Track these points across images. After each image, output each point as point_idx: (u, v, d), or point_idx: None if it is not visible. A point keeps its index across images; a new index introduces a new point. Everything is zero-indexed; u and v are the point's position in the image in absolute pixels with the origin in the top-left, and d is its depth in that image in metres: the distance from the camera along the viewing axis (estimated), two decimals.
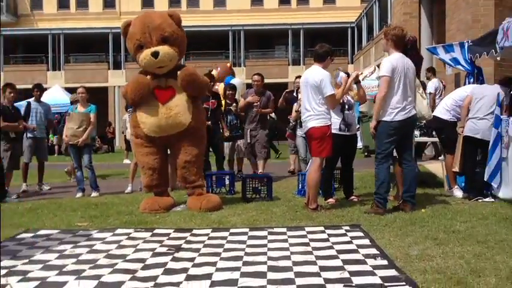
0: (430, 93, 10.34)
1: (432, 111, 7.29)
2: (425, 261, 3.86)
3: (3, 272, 3.97)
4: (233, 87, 9.98)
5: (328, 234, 4.96)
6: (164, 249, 4.57)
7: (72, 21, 34.98)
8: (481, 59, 8.21)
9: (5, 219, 6.27)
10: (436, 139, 8.22)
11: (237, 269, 3.90)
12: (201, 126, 6.84)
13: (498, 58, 7.98)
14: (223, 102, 9.52)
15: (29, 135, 9.43)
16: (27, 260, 4.35)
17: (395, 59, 5.92)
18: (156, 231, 5.38)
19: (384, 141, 5.93)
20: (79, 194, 8.48)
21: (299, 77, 9.38)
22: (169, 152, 7.04)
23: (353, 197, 7.02)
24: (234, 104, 9.59)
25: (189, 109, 6.54)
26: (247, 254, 4.34)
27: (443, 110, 7.24)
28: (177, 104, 6.47)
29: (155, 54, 6.33)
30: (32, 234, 5.39)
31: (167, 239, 4.99)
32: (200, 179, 6.81)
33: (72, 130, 8.41)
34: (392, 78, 5.83)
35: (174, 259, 4.25)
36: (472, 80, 8.39)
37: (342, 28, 33.41)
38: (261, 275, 3.73)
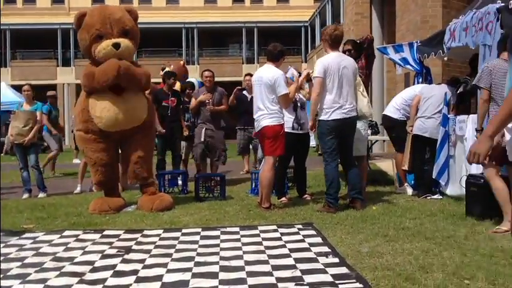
0: None
1: None
2: (376, 258, 3.91)
3: None
4: (193, 86, 9.87)
5: (280, 233, 4.96)
6: (114, 251, 4.46)
7: (19, 17, 33.89)
8: (429, 59, 8.42)
9: None
10: (386, 137, 8.37)
11: (188, 269, 3.84)
12: (154, 122, 6.81)
13: (445, 58, 8.20)
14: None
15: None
16: None
17: (327, 60, 6.02)
18: (106, 232, 5.25)
19: (325, 140, 6.02)
20: (25, 195, 8.22)
21: (249, 74, 9.38)
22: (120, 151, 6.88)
23: (306, 196, 7.06)
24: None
25: (145, 104, 6.51)
26: (199, 254, 4.29)
27: (393, 109, 7.40)
28: (133, 99, 6.37)
29: (116, 46, 6.22)
30: None
31: (117, 241, 4.87)
32: (151, 176, 6.75)
33: (17, 129, 8.14)
34: (324, 79, 5.91)
35: (124, 261, 4.14)
36: (420, 79, 8.60)
37: (295, 27, 33.73)
38: (213, 275, 3.69)
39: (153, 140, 6.91)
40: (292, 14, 34.45)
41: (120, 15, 6.40)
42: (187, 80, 11.38)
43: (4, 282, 3.66)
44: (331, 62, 5.96)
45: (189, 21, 33.70)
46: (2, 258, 4.34)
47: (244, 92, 9.68)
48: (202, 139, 8.60)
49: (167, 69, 9.99)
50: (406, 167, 7.16)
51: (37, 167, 8.35)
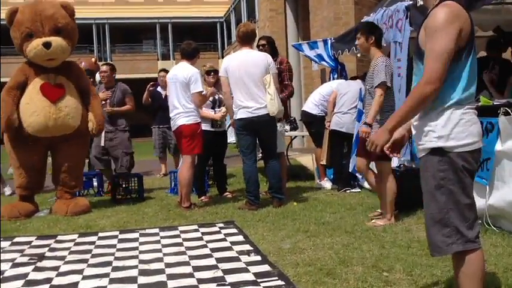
0: None
1: None
2: (297, 254, 3.94)
3: None
4: None
5: (201, 233, 4.90)
6: (25, 259, 4.22)
7: None
8: (343, 56, 8.63)
9: None
10: (305, 133, 8.51)
11: (105, 275, 3.71)
12: (87, 130, 6.39)
13: (359, 55, 8.43)
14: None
15: None
16: None
17: (229, 59, 6.09)
18: (17, 239, 4.96)
19: (239, 138, 6.07)
20: None
21: (163, 70, 9.07)
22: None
23: (227, 193, 7.04)
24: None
25: (79, 111, 6.16)
26: (117, 258, 4.15)
27: (312, 105, 7.53)
28: (67, 105, 6.03)
29: (47, 45, 5.85)
30: None
31: (29, 248, 4.62)
32: (80, 186, 6.59)
33: None
34: (227, 78, 5.94)
35: (37, 269, 3.94)
36: (336, 75, 8.80)
37: (211, 23, 33.62)
38: (132, 280, 3.58)
39: (85, 148, 6.61)
40: (207, 10, 34.29)
41: (53, 12, 6.00)
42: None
43: None
44: (233, 60, 5.97)
45: (99, 16, 32.65)
46: None
47: (159, 89, 9.30)
48: (102, 143, 7.61)
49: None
50: (324, 162, 7.31)
51: None
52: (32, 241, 4.87)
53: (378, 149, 2.55)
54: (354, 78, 7.68)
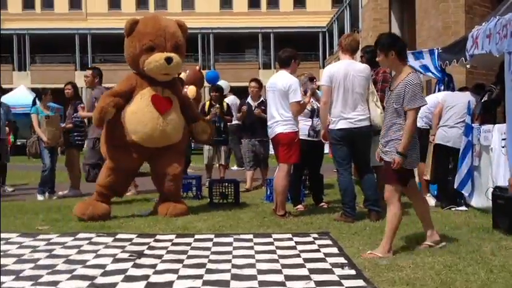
0: None
1: None
2: (395, 272, 3.76)
3: None
4: (219, 89, 9.62)
5: (295, 242, 4.84)
6: (126, 255, 4.40)
7: (38, 22, 34.32)
8: (451, 66, 8.25)
9: None
10: None
11: (199, 276, 3.76)
12: (185, 142, 6.67)
13: (468, 66, 8.03)
14: (207, 104, 9.27)
15: None
16: None
17: (333, 67, 5.94)
18: (119, 236, 5.19)
19: (335, 150, 5.93)
20: (41, 197, 8.22)
21: (254, 80, 8.99)
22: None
23: (322, 204, 6.93)
24: (217, 105, 9.07)
25: (182, 124, 6.35)
26: (211, 261, 4.20)
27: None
28: (172, 118, 6.21)
29: (169, 60, 6.03)
30: None
31: (129, 245, 4.81)
32: (179, 191, 6.77)
33: (52, 132, 8.23)
34: (330, 87, 5.79)
35: (135, 265, 4.08)
36: (442, 87, 8.43)
37: (313, 33, 33.64)
38: (224, 283, 3.61)
39: (184, 157, 6.76)
40: (310, 20, 34.35)
41: (175, 30, 6.24)
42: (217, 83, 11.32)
43: (17, 284, 3.65)
44: (338, 69, 5.85)
45: (205, 26, 33.80)
46: (16, 259, 4.34)
47: (249, 100, 9.00)
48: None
49: (182, 74, 9.88)
50: (428, 177, 6.97)
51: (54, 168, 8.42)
52: (132, 238, 5.07)
53: None
54: (462, 89, 7.29)
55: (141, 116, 6.08)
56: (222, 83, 11.84)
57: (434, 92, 8.54)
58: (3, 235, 5.27)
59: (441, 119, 6.79)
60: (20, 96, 21.01)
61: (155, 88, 6.21)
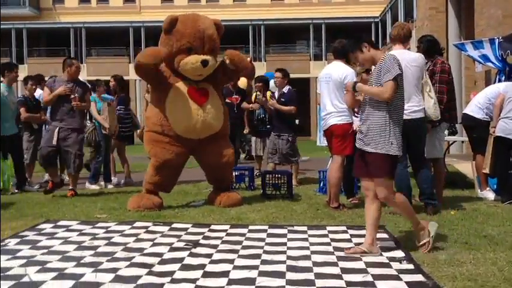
0: None
1: None
2: (455, 267, 3.67)
3: (22, 261, 3.97)
4: (262, 80, 9.52)
5: (350, 235, 4.80)
6: (182, 244, 4.48)
7: (93, 15, 35.23)
8: None
9: (26, 209, 6.33)
10: (464, 138, 7.96)
11: (255, 267, 3.78)
12: (228, 130, 6.73)
13: None
14: (254, 95, 9.25)
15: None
16: (46, 251, 4.33)
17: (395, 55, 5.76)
18: (174, 225, 5.29)
19: None
20: (96, 186, 8.46)
21: (278, 70, 8.56)
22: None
23: None
24: (260, 95, 8.94)
25: (221, 113, 6.40)
26: (265, 252, 4.22)
27: (476, 108, 6.94)
28: (212, 107, 6.28)
29: (205, 63, 6.09)
30: (52, 225, 5.37)
31: (185, 234, 4.90)
32: (229, 181, 6.80)
33: (112, 121, 8.47)
34: None
35: (192, 255, 4.15)
36: (503, 77, 8.11)
37: (365, 23, 33.06)
38: (280, 274, 3.61)
39: (230, 147, 6.70)
40: (362, 10, 33.79)
41: (212, 32, 6.25)
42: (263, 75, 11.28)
43: (78, 270, 3.76)
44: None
45: (256, 18, 33.80)
46: (76, 246, 4.49)
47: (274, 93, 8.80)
48: (54, 142, 7.16)
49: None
50: (487, 171, 6.73)
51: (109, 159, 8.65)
52: (188, 228, 5.15)
53: None
54: None
55: (180, 108, 6.16)
56: (269, 74, 11.79)
57: (494, 83, 8.23)
58: (63, 222, 5.50)
59: (502, 110, 6.55)
60: None
61: (188, 82, 6.26)
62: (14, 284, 3.43)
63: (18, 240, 4.68)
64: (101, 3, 36.36)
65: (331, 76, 6.07)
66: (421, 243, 4.18)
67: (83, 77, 27.31)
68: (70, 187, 7.44)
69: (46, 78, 9.75)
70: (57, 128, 7.20)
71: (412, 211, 4.33)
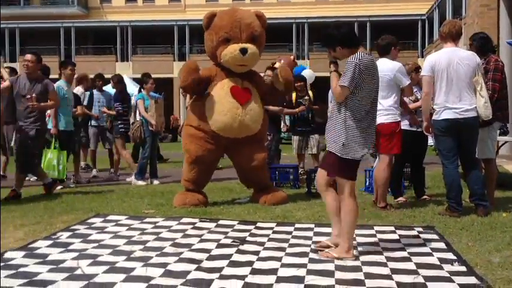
0: None
1: None
2: (509, 270, 3.57)
3: (75, 254, 4.07)
4: (302, 79, 9.49)
5: (399, 235, 4.72)
6: (229, 241, 4.51)
7: (139, 14, 35.87)
8: None
9: (76, 203, 6.51)
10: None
11: (303, 265, 3.78)
12: (265, 135, 6.78)
13: None
14: (294, 95, 9.21)
15: (93, 123, 9.71)
16: (97, 244, 4.43)
17: (435, 56, 5.66)
18: (221, 222, 5.33)
19: (439, 141, 5.68)
20: (142, 182, 8.61)
21: (269, 68, 8.38)
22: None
23: (425, 197, 6.70)
24: (306, 97, 8.95)
25: (261, 115, 6.38)
26: (313, 250, 4.19)
27: None
28: (252, 108, 6.26)
29: (243, 51, 6.08)
30: (101, 219, 5.50)
31: (231, 231, 4.92)
32: (267, 181, 6.76)
33: (158, 118, 8.60)
34: (431, 77, 5.55)
35: (239, 251, 4.17)
36: None
37: (411, 20, 32.49)
38: (329, 273, 3.59)
39: (264, 150, 6.74)
40: (408, 7, 33.19)
41: (251, 21, 6.26)
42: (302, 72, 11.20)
43: (128, 264, 3.83)
44: (439, 58, 5.59)
45: (299, 16, 33.67)
46: (126, 240, 4.57)
47: None
48: (12, 143, 7.06)
49: (277, 63, 9.90)
50: None
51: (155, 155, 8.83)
52: (234, 225, 5.18)
53: None
54: None
55: (220, 105, 6.16)
56: (307, 72, 11.64)
57: None
58: (113, 217, 5.62)
59: None
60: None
61: (234, 79, 6.28)
62: (67, 276, 3.52)
63: (69, 233, 4.81)
64: (147, 2, 37.00)
65: (378, 74, 5.97)
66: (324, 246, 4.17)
67: (128, 74, 28.01)
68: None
69: (91, 76, 10.10)
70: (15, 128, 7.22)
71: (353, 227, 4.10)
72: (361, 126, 4.03)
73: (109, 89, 10.36)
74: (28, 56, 7.06)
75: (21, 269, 3.68)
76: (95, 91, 9.98)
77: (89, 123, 9.79)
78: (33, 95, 6.84)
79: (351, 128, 4.00)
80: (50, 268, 3.71)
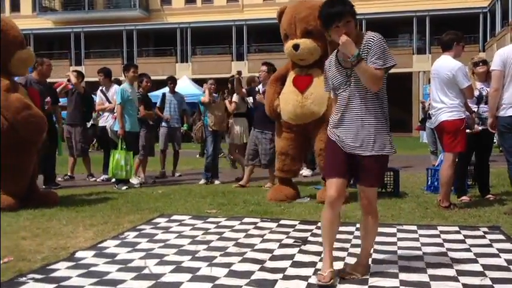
0: None
1: None
2: None
3: (142, 254, 4.17)
4: None
5: (463, 235, 4.63)
6: (291, 241, 4.53)
7: (198, 15, 36.41)
8: None
9: (141, 203, 6.71)
10: None
11: None
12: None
13: None
14: None
15: (164, 124, 9.99)
16: (162, 244, 4.52)
17: (505, 50, 5.48)
18: (282, 222, 5.37)
19: (504, 138, 5.53)
20: (203, 181, 8.81)
21: (265, 64, 8.23)
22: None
23: (489, 196, 6.53)
24: None
25: (324, 99, 6.32)
26: (376, 251, 4.15)
27: None
28: (312, 93, 6.37)
29: (295, 47, 6.32)
30: (166, 219, 5.63)
31: (293, 231, 4.96)
32: None
33: (218, 117, 8.81)
34: (502, 72, 5.38)
35: (301, 251, 4.19)
36: None
37: (472, 14, 31.43)
38: (393, 275, 3.55)
39: None
40: (469, 0, 32.12)
41: (305, 15, 6.29)
42: None
43: (194, 263, 3.90)
44: (510, 52, 5.41)
45: (357, 12, 33.21)
46: (190, 240, 4.65)
47: (259, 87, 8.45)
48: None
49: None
50: None
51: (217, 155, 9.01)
52: (295, 225, 5.22)
53: None
54: None
55: (286, 96, 6.52)
56: None
57: None
58: (176, 216, 5.75)
59: None
60: (183, 86, 22.54)
61: (300, 70, 6.54)
62: (135, 276, 3.60)
63: (136, 233, 4.94)
64: (205, 3, 37.50)
65: (439, 72, 5.89)
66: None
67: (187, 75, 28.54)
68: None
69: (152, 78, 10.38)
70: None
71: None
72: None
73: (177, 90, 10.57)
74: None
75: (92, 269, 3.78)
76: (167, 93, 10.27)
77: (160, 124, 10.11)
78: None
79: (387, 120, 3.40)
80: (118, 267, 3.80)
